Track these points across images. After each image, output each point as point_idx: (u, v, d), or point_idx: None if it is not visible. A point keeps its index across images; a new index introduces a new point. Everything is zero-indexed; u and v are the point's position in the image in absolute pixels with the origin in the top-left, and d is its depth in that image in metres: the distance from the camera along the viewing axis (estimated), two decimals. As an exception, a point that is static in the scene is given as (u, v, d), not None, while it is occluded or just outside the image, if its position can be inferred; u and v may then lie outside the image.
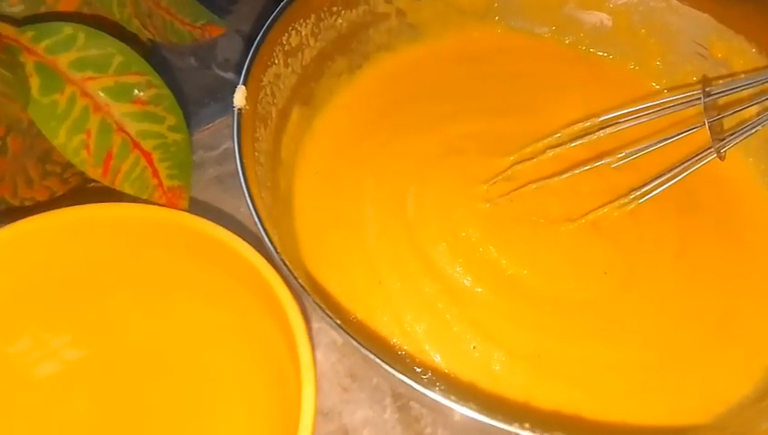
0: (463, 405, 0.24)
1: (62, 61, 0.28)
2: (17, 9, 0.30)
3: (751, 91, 0.37)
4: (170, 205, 0.32)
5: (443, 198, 0.38)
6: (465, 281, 0.35)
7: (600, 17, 0.45)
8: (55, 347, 0.33)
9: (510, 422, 0.24)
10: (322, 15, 0.38)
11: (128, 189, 0.31)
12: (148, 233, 0.32)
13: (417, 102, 0.42)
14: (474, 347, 0.33)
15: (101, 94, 0.29)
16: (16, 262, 0.31)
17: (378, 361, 0.25)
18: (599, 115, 0.38)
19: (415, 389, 0.25)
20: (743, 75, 0.40)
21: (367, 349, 0.26)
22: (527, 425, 0.24)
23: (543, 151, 0.38)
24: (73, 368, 0.33)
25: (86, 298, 0.33)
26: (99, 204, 0.31)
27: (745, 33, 0.40)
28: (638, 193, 0.37)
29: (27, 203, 0.36)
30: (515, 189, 0.38)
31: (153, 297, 0.34)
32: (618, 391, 0.32)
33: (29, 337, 0.32)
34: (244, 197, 0.29)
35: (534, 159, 0.38)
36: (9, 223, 0.30)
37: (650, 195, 0.37)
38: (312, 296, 0.27)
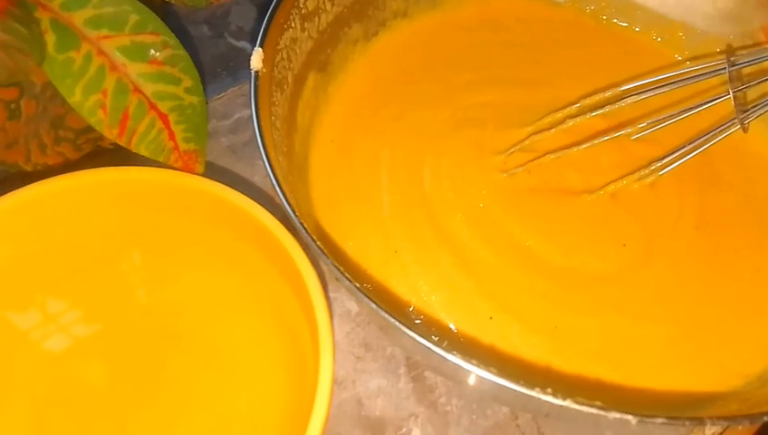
0: (484, 369, 0.24)
1: (78, 18, 0.28)
2: (31, -34, 0.29)
3: (776, 61, 0.37)
4: (186, 169, 0.31)
5: (460, 168, 0.37)
6: (482, 252, 0.35)
7: (623, -15, 0.44)
8: (65, 323, 0.33)
9: (531, 387, 0.24)
10: (340, -21, 0.38)
11: (143, 151, 0.30)
12: (164, 198, 0.32)
13: (433, 71, 0.41)
14: (491, 318, 0.33)
15: (117, 54, 0.29)
16: (26, 228, 0.31)
17: (397, 323, 0.25)
18: (619, 86, 0.38)
19: (435, 353, 0.25)
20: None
21: (385, 311, 0.25)
22: (549, 390, 0.24)
23: (563, 121, 0.38)
24: (84, 342, 0.33)
25: (97, 267, 0.33)
26: (113, 167, 0.31)
27: (772, 2, 0.39)
28: (659, 165, 0.37)
29: (40, 168, 0.36)
30: (533, 160, 0.37)
31: (167, 264, 0.34)
32: (636, 364, 0.32)
33: (38, 311, 0.32)
34: (262, 159, 0.29)
35: (553, 130, 0.38)
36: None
37: (671, 167, 0.36)
38: (330, 258, 0.27)
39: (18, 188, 0.30)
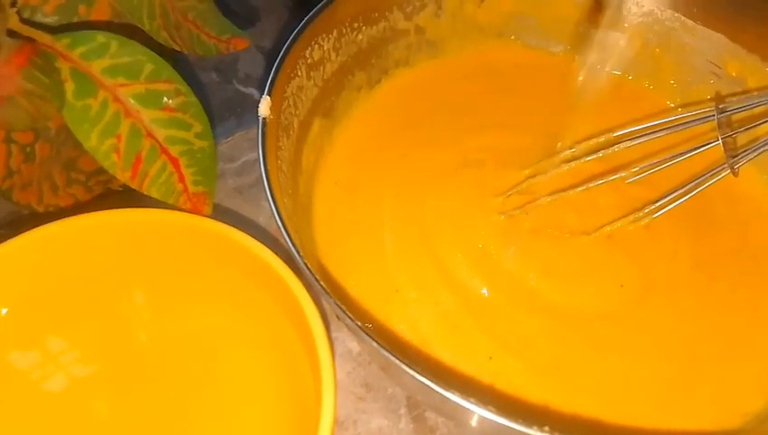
0: (483, 408, 0.25)
1: (96, 67, 0.29)
2: (52, 19, 0.31)
3: (764, 108, 0.38)
4: (194, 210, 0.32)
5: (460, 209, 0.38)
6: (482, 292, 0.36)
7: (615, 37, 0.46)
8: (64, 363, 0.33)
9: (530, 426, 0.24)
10: (344, 31, 0.39)
11: (154, 194, 0.31)
12: (171, 239, 0.32)
13: (434, 116, 0.43)
14: (490, 358, 0.33)
15: (132, 101, 0.30)
16: (36, 268, 0.31)
17: (398, 362, 0.25)
18: (614, 131, 0.39)
19: (436, 392, 0.25)
20: (756, 93, 0.41)
21: (387, 350, 0.26)
22: (546, 428, 0.24)
23: (558, 165, 0.39)
24: (84, 383, 0.33)
25: (103, 308, 0.34)
26: (122, 209, 0.32)
27: (759, 52, 0.41)
28: (652, 208, 0.37)
29: (51, 209, 0.37)
30: (530, 202, 0.38)
31: (171, 303, 0.34)
32: (634, 403, 0.32)
33: (38, 351, 0.32)
34: (268, 201, 0.30)
35: (549, 173, 0.39)
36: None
37: (664, 210, 0.37)
38: (333, 298, 0.27)
39: (29, 228, 0.31)
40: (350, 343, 0.37)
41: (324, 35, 0.38)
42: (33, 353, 0.32)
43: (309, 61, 0.37)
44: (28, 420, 0.31)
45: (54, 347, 0.33)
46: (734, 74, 0.42)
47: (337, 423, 0.34)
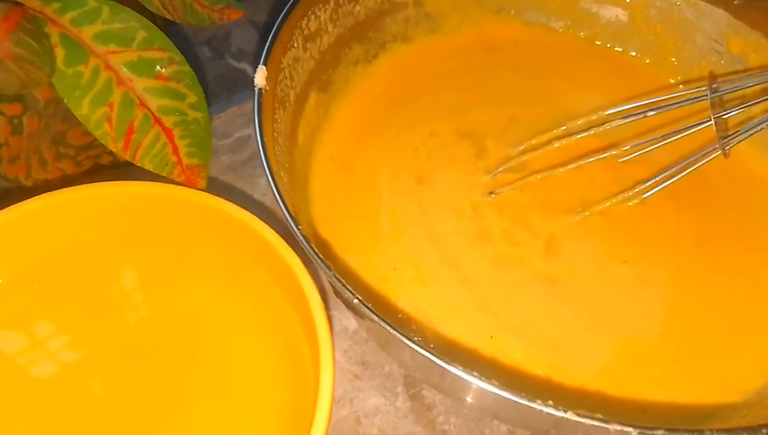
0: (485, 381, 0.24)
1: (87, 33, 0.28)
2: (41, -17, 0.30)
3: (759, 88, 0.38)
4: (189, 183, 0.32)
5: (458, 186, 0.38)
6: (482, 270, 0.35)
7: (616, 12, 0.45)
8: (52, 348, 0.32)
9: (532, 400, 0.24)
10: (341, 2, 0.39)
11: (148, 165, 0.31)
12: (164, 213, 0.31)
13: (431, 92, 0.42)
14: (491, 337, 0.33)
15: (124, 69, 0.29)
16: (22, 245, 0.30)
17: (398, 335, 0.25)
18: (613, 108, 0.38)
19: (437, 365, 0.25)
20: (758, 71, 0.40)
21: (388, 324, 0.25)
22: (550, 402, 0.24)
23: (554, 141, 0.39)
24: (73, 368, 0.32)
25: (91, 286, 0.33)
26: (114, 182, 0.31)
27: (762, 29, 0.40)
28: (643, 187, 0.37)
29: (40, 184, 0.36)
30: (525, 177, 0.38)
31: (165, 281, 0.34)
32: (638, 381, 0.32)
33: (25, 336, 0.31)
34: (265, 172, 0.29)
35: (541, 149, 0.39)
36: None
37: (657, 188, 0.37)
38: (332, 271, 0.27)
39: (16, 203, 0.30)
40: (346, 321, 0.37)
41: (321, 5, 0.37)
42: (21, 338, 0.31)
43: (305, 32, 0.36)
44: (16, 406, 0.31)
45: (42, 332, 0.32)
46: (735, 52, 0.42)
47: (334, 401, 0.34)
